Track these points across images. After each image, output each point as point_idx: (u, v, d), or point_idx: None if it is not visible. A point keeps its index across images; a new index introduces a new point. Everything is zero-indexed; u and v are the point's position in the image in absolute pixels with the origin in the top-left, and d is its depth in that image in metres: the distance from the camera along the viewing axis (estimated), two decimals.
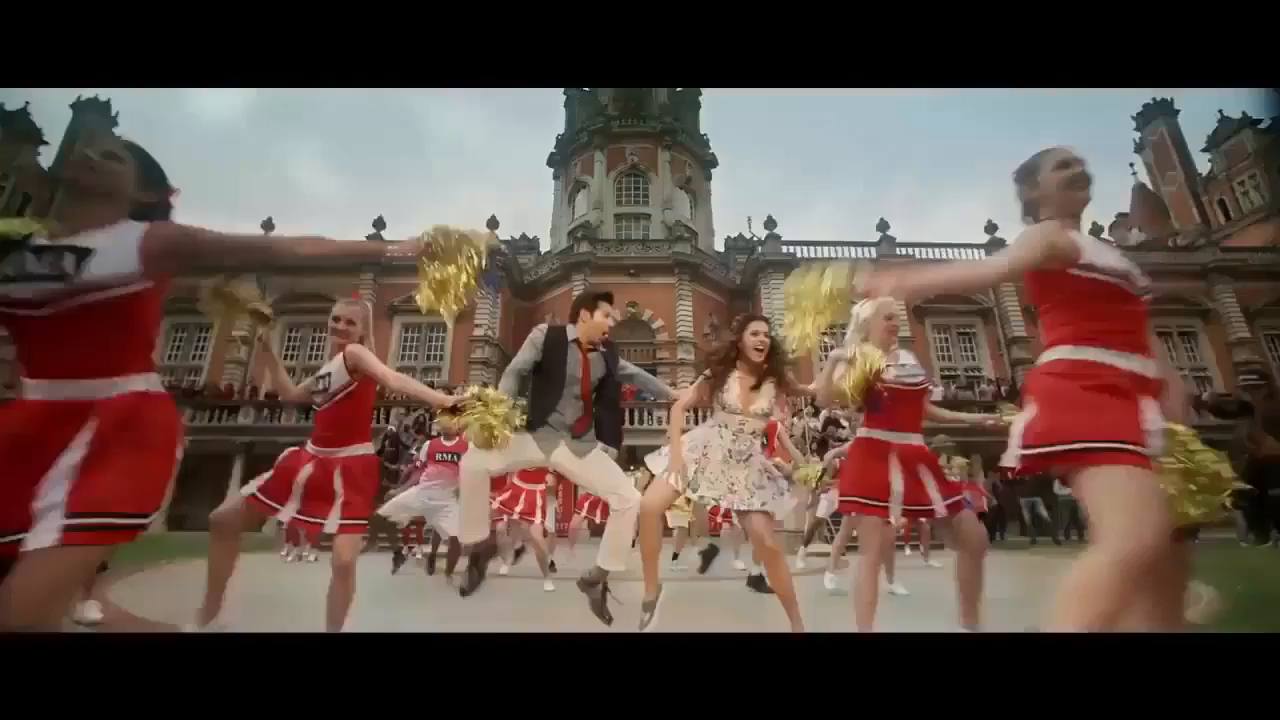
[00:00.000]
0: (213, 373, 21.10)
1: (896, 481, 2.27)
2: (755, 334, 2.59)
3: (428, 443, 5.35)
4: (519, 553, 6.69)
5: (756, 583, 4.78)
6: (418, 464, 5.59)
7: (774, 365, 2.62)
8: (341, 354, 2.34)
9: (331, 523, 2.16)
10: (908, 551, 7.88)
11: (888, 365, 2.32)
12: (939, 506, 2.27)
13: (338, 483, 2.22)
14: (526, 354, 2.73)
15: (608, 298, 2.85)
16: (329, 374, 2.35)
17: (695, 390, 2.70)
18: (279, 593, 4.74)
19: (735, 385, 2.59)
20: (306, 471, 2.27)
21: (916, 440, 2.41)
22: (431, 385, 9.87)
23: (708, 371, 2.66)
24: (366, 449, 2.37)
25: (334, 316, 2.37)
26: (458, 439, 5.13)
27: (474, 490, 2.67)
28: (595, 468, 2.69)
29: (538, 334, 2.77)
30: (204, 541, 2.32)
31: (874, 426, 2.42)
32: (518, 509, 5.42)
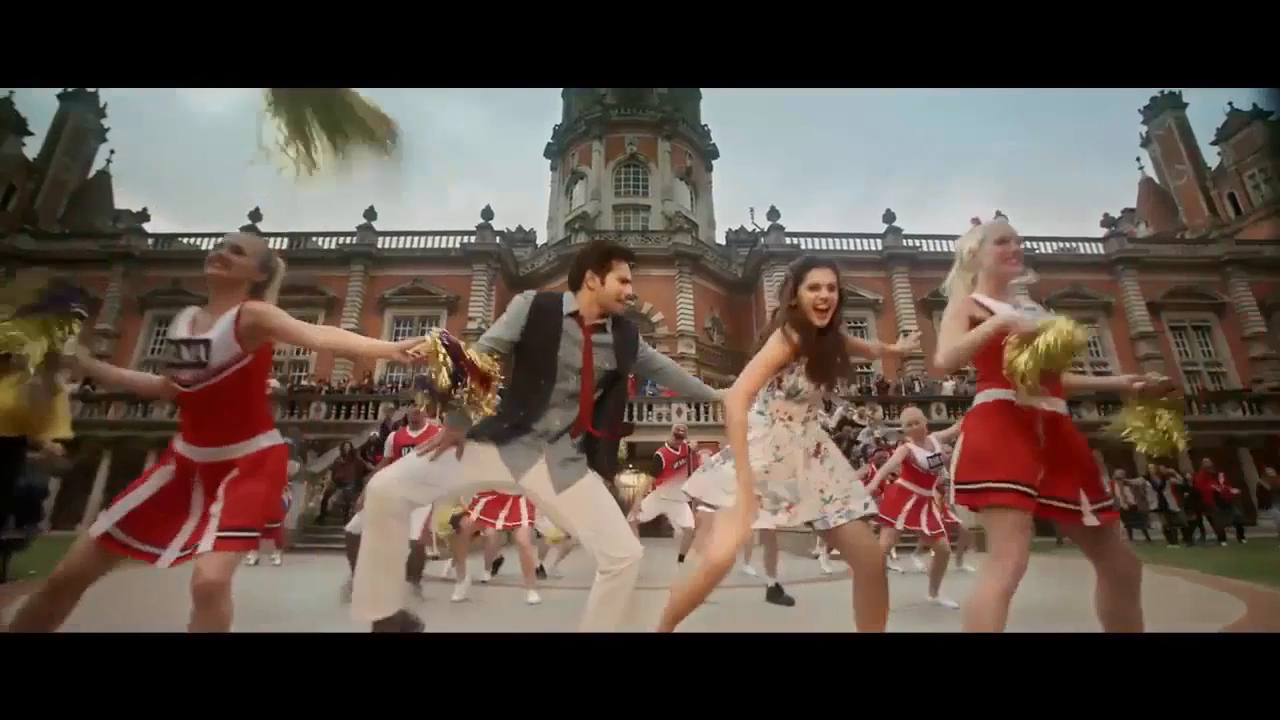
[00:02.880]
0: None
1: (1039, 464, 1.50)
2: (815, 288, 1.83)
3: (392, 435, 4.58)
4: (498, 563, 6.06)
5: (774, 594, 4.20)
6: (383, 459, 4.91)
7: (836, 327, 1.90)
8: (232, 313, 1.60)
9: (206, 540, 1.50)
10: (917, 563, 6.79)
11: (1018, 305, 1.59)
12: (1087, 513, 1.51)
13: (221, 488, 1.59)
14: (503, 331, 1.83)
15: (625, 255, 1.92)
16: (205, 341, 1.59)
17: (760, 374, 1.83)
18: (240, 597, 4.15)
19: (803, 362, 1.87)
20: (199, 492, 1.64)
21: (1062, 407, 1.59)
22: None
23: (774, 348, 1.83)
24: (272, 438, 1.71)
25: (218, 244, 1.67)
26: (426, 428, 4.48)
27: (383, 537, 1.67)
28: (582, 504, 1.82)
29: (521, 302, 1.87)
30: None
31: (1004, 385, 1.55)
32: (501, 516, 4.74)
